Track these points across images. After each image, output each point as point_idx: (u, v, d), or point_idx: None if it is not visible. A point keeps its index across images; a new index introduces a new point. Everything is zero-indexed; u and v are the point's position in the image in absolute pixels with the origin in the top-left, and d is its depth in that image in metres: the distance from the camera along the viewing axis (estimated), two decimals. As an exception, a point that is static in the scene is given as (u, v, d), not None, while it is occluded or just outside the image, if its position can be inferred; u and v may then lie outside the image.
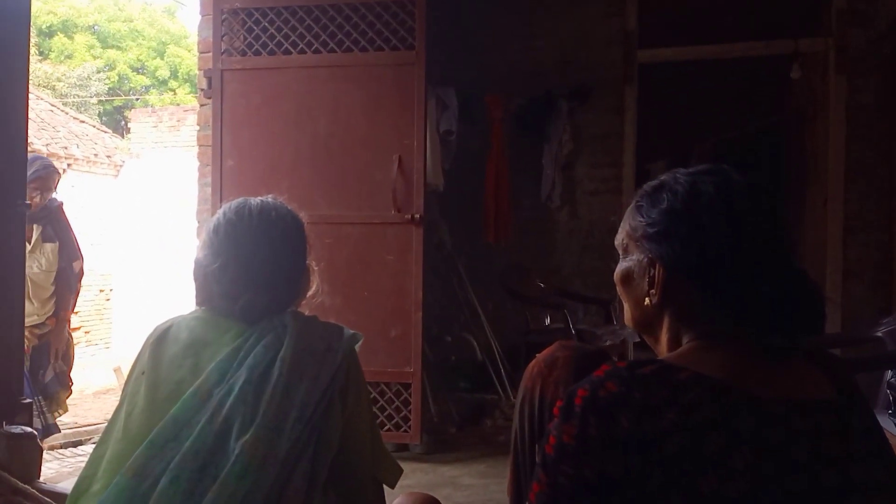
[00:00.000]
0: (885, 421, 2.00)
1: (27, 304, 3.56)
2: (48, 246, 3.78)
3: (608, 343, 4.22)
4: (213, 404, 1.19)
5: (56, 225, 3.84)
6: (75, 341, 4.05)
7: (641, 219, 0.96)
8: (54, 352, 3.81)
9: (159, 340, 1.31)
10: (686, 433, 0.79)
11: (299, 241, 1.40)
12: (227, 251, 1.33)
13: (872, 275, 4.44)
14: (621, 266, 1.00)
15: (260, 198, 1.40)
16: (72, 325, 4.07)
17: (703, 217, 0.90)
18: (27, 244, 3.58)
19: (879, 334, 2.44)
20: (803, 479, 0.80)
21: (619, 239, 1.01)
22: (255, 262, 1.33)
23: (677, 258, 0.91)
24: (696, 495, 0.78)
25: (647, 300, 0.96)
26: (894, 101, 4.35)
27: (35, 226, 3.69)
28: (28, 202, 3.65)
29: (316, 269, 1.45)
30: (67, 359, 3.91)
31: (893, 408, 1.91)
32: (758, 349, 0.90)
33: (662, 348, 0.98)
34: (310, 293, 1.44)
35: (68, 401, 3.95)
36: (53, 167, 3.85)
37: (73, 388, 3.92)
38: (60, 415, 3.89)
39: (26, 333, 3.56)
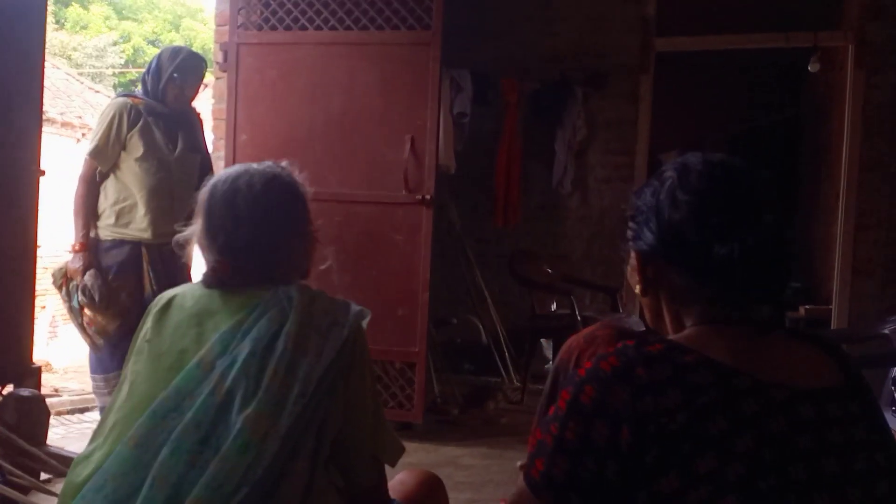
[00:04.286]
0: (889, 417, 2.01)
1: (163, 219, 3.04)
2: (192, 157, 3.25)
3: (613, 331, 4.22)
4: (216, 376, 1.18)
5: (197, 136, 3.33)
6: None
7: (630, 213, 1.02)
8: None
9: (163, 309, 1.31)
10: (690, 413, 0.81)
11: (285, 211, 1.35)
12: (206, 221, 1.33)
13: (882, 273, 4.41)
14: (629, 263, 1.05)
15: (261, 165, 1.37)
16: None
17: (664, 202, 0.95)
18: (173, 150, 3.14)
19: (886, 332, 2.44)
20: (804, 467, 0.81)
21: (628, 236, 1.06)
22: (227, 233, 1.31)
23: (647, 244, 0.96)
24: (693, 475, 0.79)
25: (637, 289, 1.01)
26: (913, 97, 4.31)
27: (180, 133, 3.19)
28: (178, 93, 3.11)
29: (319, 238, 1.42)
30: None
31: (896, 404, 1.91)
32: (759, 332, 0.92)
33: (670, 335, 1.00)
34: (322, 266, 1.43)
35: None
36: (203, 59, 3.30)
37: None
38: None
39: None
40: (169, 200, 3.11)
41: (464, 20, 4.60)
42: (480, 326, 4.82)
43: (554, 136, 4.92)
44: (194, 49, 3.57)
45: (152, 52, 20.23)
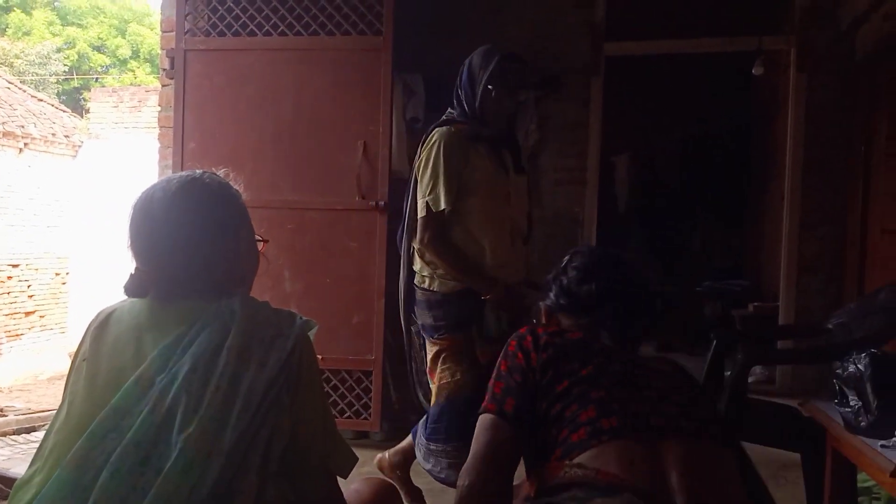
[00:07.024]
0: (831, 410, 2.06)
1: (510, 257, 2.57)
2: (522, 180, 2.68)
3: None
4: (156, 393, 1.14)
5: (520, 153, 2.75)
6: (30, 326, 3.43)
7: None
8: None
9: (102, 326, 1.26)
10: (557, 358, 1.41)
11: (205, 213, 1.30)
12: (130, 231, 1.31)
13: (826, 269, 4.53)
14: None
15: (186, 171, 1.35)
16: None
17: (567, 273, 1.71)
18: (505, 175, 2.58)
19: (830, 326, 2.49)
20: (610, 368, 1.40)
21: None
22: (142, 237, 1.29)
23: (551, 300, 1.67)
24: (561, 374, 1.39)
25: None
26: (853, 99, 4.43)
27: (505, 153, 2.63)
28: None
29: (260, 245, 1.38)
30: None
31: (839, 398, 1.97)
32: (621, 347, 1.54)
33: None
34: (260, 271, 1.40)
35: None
36: (523, 60, 2.71)
37: None
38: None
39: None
40: (512, 234, 2.62)
41: (415, 25, 4.59)
42: (438, 332, 4.80)
43: (507, 141, 4.93)
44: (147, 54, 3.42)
45: (97, 59, 19.83)
